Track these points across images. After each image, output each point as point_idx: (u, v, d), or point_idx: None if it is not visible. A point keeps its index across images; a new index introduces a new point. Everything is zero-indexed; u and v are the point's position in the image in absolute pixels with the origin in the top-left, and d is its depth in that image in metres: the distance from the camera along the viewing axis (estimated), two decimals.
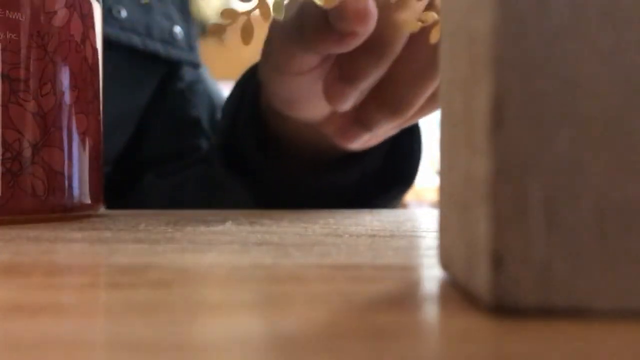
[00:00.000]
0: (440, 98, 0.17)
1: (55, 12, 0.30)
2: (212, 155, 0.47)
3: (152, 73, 0.54)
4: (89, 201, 0.32)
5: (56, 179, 0.30)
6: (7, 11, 0.29)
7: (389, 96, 0.36)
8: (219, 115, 0.55)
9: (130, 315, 0.13)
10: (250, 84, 0.43)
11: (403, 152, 0.44)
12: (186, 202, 0.50)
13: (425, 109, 0.37)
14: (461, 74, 0.15)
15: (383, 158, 0.44)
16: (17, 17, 0.29)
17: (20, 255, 0.20)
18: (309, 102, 0.38)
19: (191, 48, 0.56)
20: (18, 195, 0.29)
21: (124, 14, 0.49)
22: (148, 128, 0.54)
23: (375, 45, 0.33)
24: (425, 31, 0.32)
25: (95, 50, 0.32)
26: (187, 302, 0.14)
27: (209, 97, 0.57)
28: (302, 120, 0.39)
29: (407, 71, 0.35)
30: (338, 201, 0.43)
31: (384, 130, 0.38)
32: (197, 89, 0.56)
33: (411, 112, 0.36)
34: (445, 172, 0.16)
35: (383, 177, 0.44)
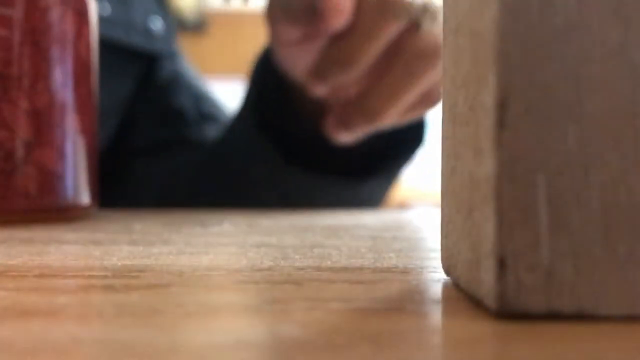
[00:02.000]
0: (443, 97, 0.17)
1: (49, 9, 0.30)
2: (237, 125, 0.49)
3: (131, 66, 0.54)
4: (83, 201, 0.32)
5: (50, 178, 0.30)
6: (0, 7, 0.28)
7: (364, 105, 0.39)
8: (204, 106, 0.56)
9: (124, 318, 0.12)
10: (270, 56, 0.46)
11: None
12: (180, 188, 0.51)
13: (408, 114, 0.41)
14: (464, 72, 0.15)
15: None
16: (10, 14, 0.28)
17: (13, 257, 0.20)
18: (304, 75, 0.41)
19: (169, 40, 0.57)
20: (11, 195, 0.29)
21: (107, 10, 0.50)
22: (133, 120, 0.54)
23: (354, 37, 0.36)
24: (402, 45, 0.36)
25: (89, 47, 0.32)
26: (183, 305, 0.14)
27: (192, 88, 0.57)
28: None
29: (382, 84, 0.38)
30: (355, 164, 0.46)
31: (364, 132, 0.41)
32: (179, 80, 0.57)
33: (386, 120, 0.39)
34: (448, 173, 0.16)
35: (396, 140, 0.47)
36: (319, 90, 0.39)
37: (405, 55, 0.36)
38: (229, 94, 0.81)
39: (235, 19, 2.33)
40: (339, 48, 0.36)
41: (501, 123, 0.12)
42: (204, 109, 0.56)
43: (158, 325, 0.12)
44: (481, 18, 0.13)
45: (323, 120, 0.43)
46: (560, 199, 0.12)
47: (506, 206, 0.12)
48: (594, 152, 0.12)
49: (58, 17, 0.30)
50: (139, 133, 0.55)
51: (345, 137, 0.41)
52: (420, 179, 1.93)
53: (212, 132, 0.54)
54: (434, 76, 0.37)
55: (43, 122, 0.29)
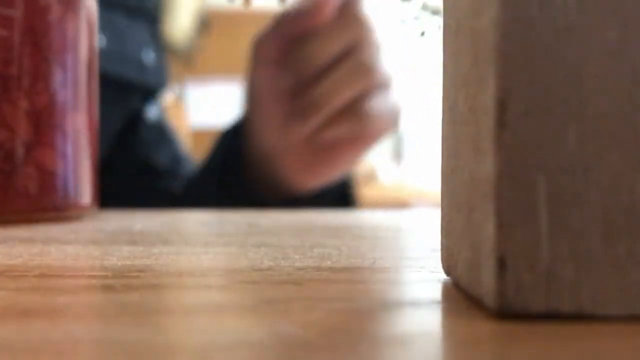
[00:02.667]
0: (443, 97, 0.17)
1: (49, 9, 0.30)
2: (199, 183, 0.53)
3: (122, 99, 0.55)
4: (83, 201, 0.32)
5: (50, 178, 0.30)
6: (0, 7, 0.28)
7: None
8: (181, 168, 0.59)
9: (124, 318, 0.12)
10: (233, 135, 0.50)
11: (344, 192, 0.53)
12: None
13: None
14: (465, 72, 0.15)
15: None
16: (10, 14, 0.28)
17: (13, 257, 0.20)
18: (269, 105, 0.44)
19: (160, 71, 0.58)
20: (11, 195, 0.29)
21: (103, 42, 0.50)
22: (111, 167, 0.55)
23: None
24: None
25: (90, 47, 0.32)
26: (183, 305, 0.14)
27: (170, 144, 0.60)
28: (267, 148, 0.46)
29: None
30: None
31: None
32: (158, 135, 0.60)
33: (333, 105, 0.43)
34: (448, 173, 0.16)
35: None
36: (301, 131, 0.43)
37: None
38: (228, 94, 0.82)
39: (235, 19, 2.33)
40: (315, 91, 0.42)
41: (501, 123, 0.12)
42: (180, 170, 0.59)
43: (158, 325, 0.12)
44: (481, 18, 0.13)
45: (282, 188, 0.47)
46: (560, 199, 0.12)
47: (506, 206, 0.12)
48: (594, 152, 0.12)
49: (58, 17, 0.30)
50: (112, 181, 0.56)
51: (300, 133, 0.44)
52: (420, 179, 1.93)
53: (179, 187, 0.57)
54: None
55: (43, 122, 0.29)
